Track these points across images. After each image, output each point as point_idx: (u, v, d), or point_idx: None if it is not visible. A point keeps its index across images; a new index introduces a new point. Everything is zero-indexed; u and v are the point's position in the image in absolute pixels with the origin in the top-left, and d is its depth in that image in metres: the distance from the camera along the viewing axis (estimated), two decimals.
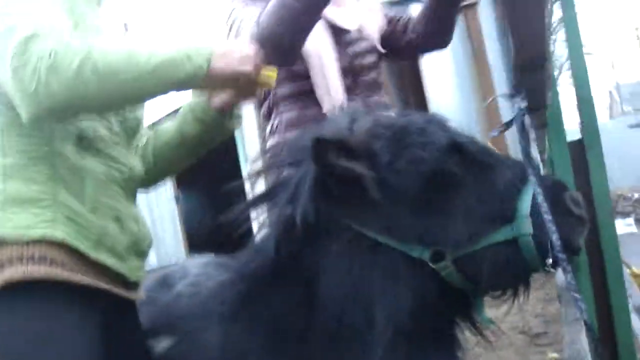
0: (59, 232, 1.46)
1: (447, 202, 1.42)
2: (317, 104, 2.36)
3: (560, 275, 2.13)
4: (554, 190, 1.45)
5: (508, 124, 1.65)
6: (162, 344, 1.72)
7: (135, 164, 1.75)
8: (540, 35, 0.86)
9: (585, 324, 1.40)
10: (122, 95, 1.45)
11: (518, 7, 0.90)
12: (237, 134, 9.23)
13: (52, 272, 1.43)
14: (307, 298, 1.47)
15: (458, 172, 1.42)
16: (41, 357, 1.41)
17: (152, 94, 1.50)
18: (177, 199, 8.88)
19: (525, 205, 1.40)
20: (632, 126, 20.27)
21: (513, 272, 1.44)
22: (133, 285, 1.67)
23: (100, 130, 1.62)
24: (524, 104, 1.50)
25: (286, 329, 1.49)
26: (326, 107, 2.31)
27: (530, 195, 1.41)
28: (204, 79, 1.50)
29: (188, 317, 1.70)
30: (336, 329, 1.43)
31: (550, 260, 1.38)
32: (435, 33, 2.50)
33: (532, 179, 1.43)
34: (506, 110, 8.01)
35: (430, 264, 1.39)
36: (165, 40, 1.50)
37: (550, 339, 4.79)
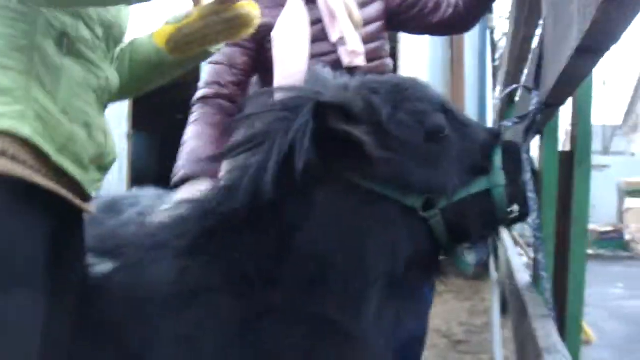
0: (27, 128, 1.36)
1: (439, 154, 1.50)
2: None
3: (520, 278, 2.15)
4: (519, 152, 1.61)
5: (523, 117, 1.66)
6: (104, 266, 1.62)
7: (113, 75, 1.67)
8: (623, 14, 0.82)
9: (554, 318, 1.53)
10: None
11: None
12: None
13: (12, 167, 1.33)
14: (282, 243, 1.45)
15: (445, 128, 1.52)
16: None
17: None
18: (129, 136, 8.69)
19: (498, 159, 1.54)
20: None
21: (486, 220, 1.54)
22: (87, 198, 1.57)
23: (83, 32, 1.54)
24: (540, 99, 1.51)
25: (252, 271, 1.45)
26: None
27: (501, 152, 1.55)
28: None
29: (135, 245, 1.62)
30: (317, 276, 1.43)
31: (516, 207, 1.54)
32: (471, 13, 2.49)
33: (502, 139, 1.60)
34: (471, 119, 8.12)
35: (421, 212, 1.45)
36: None
37: (471, 348, 4.86)
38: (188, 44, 1.73)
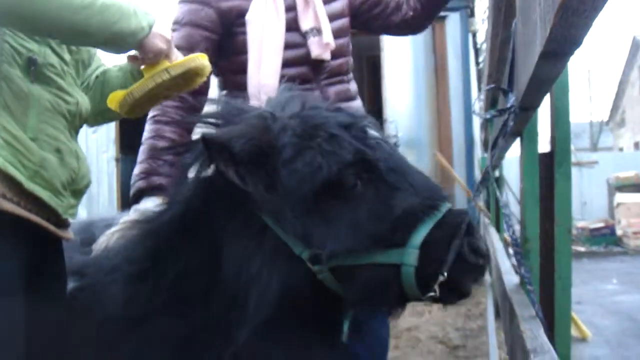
0: None
1: (335, 211, 1.40)
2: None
3: (508, 280, 2.16)
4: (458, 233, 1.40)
5: (502, 111, 1.65)
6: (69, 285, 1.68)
7: (83, 99, 1.67)
8: (588, 16, 0.83)
9: (541, 321, 1.48)
10: (64, 20, 1.38)
11: None
12: None
13: None
14: (212, 260, 1.46)
15: (354, 186, 1.41)
16: None
17: (91, 36, 1.46)
18: (117, 160, 8.70)
19: (418, 237, 1.37)
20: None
21: (388, 294, 1.42)
22: (63, 223, 1.59)
23: (51, 58, 1.55)
24: (514, 101, 1.52)
25: (190, 290, 1.49)
26: (250, 89, 2.24)
27: (427, 229, 1.38)
28: (140, 42, 1.54)
29: (94, 267, 1.68)
30: (231, 299, 1.44)
31: (437, 294, 1.36)
32: (427, 15, 2.57)
33: (439, 210, 1.40)
34: (457, 123, 8.18)
35: (308, 264, 1.39)
36: None
37: (468, 353, 4.86)
38: (140, 106, 1.73)
